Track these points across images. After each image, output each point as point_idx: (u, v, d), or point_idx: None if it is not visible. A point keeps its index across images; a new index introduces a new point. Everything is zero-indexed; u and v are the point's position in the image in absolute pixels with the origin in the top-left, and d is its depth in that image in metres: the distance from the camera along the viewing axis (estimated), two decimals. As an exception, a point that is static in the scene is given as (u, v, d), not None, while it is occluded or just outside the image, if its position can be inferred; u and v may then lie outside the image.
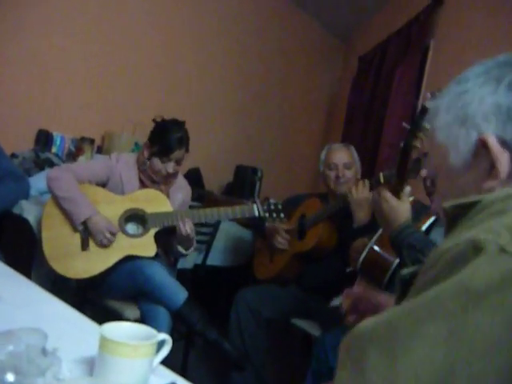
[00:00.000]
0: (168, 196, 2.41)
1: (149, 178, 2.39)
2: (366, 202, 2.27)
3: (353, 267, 1.91)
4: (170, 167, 2.33)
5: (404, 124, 1.47)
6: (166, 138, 2.29)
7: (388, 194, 1.54)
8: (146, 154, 2.36)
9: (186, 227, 2.24)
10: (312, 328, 2.44)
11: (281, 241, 2.63)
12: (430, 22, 3.39)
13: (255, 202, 2.38)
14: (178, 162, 2.36)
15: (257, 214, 2.35)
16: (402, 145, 1.48)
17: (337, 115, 4.87)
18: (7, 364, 0.73)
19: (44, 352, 0.76)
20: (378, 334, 0.56)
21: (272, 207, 2.37)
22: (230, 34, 4.27)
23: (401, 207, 1.52)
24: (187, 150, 2.38)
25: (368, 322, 0.59)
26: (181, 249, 2.35)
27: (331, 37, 5.03)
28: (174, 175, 2.42)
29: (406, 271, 0.75)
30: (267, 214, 2.37)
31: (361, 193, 2.29)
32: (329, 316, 2.27)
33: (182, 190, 2.52)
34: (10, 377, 0.73)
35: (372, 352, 0.55)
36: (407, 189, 1.54)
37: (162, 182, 2.40)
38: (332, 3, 4.47)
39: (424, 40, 3.44)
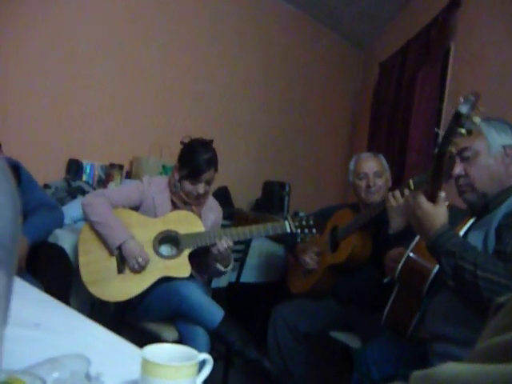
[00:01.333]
0: (200, 217, 2.43)
1: (181, 200, 2.41)
2: (403, 209, 2.23)
3: (389, 277, 1.87)
4: (201, 188, 2.34)
5: (437, 130, 1.44)
6: (195, 160, 2.30)
7: (423, 199, 1.49)
8: (176, 176, 2.39)
9: (224, 244, 2.25)
10: (351, 340, 2.41)
11: (309, 262, 2.61)
12: (448, 24, 3.35)
13: (287, 219, 2.38)
14: (209, 183, 2.37)
15: (289, 230, 2.35)
16: (435, 151, 1.44)
17: (361, 124, 4.84)
18: (53, 391, 0.74)
19: (88, 377, 0.77)
20: None
21: (304, 223, 2.36)
22: (250, 51, 4.31)
23: (437, 212, 1.47)
24: (216, 170, 2.39)
25: (455, 369, 0.49)
26: (220, 266, 2.35)
27: (350, 46, 5.03)
28: (205, 195, 2.44)
29: (504, 299, 0.66)
30: (299, 230, 2.36)
31: (399, 199, 2.24)
32: (368, 327, 2.24)
33: (213, 210, 2.54)
34: (57, 404, 0.74)
35: None
36: (442, 194, 1.49)
37: (194, 203, 2.42)
38: (348, 13, 4.48)
39: (444, 42, 3.40)
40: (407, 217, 1.60)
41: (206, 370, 0.91)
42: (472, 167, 1.59)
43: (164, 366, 0.79)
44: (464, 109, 1.33)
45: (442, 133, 1.40)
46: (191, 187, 2.34)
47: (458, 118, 1.35)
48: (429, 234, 1.48)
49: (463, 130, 1.35)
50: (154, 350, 0.86)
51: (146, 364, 0.81)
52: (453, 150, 1.39)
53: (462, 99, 1.35)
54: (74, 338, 1.09)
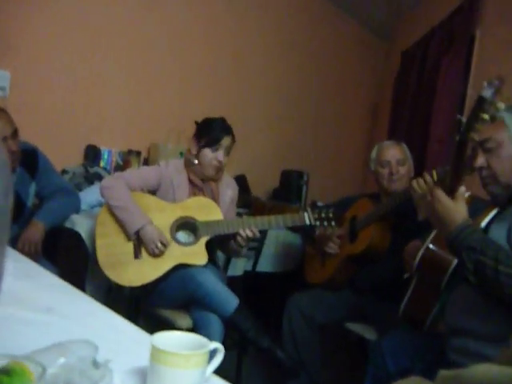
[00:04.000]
0: (218, 193, 2.45)
1: (199, 177, 2.42)
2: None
3: (409, 272, 1.83)
4: (221, 155, 2.36)
5: (458, 116, 1.38)
6: (213, 127, 2.38)
7: (442, 194, 1.46)
8: (194, 150, 2.41)
9: (249, 233, 2.27)
10: (367, 332, 2.37)
11: (331, 245, 2.57)
12: (474, 11, 3.25)
13: (306, 211, 2.35)
14: (227, 151, 2.40)
15: (308, 222, 2.33)
16: (457, 138, 1.39)
17: (381, 113, 4.76)
18: (60, 377, 0.72)
19: (95, 364, 0.75)
20: None
21: (323, 215, 2.33)
22: (267, 38, 4.25)
23: (456, 207, 1.44)
24: (234, 139, 2.43)
25: (489, 372, 0.46)
26: (242, 250, 2.38)
27: (371, 35, 4.93)
28: (223, 168, 2.46)
29: None
30: (318, 222, 2.33)
31: (423, 186, 2.18)
32: (385, 319, 2.20)
33: (230, 186, 2.56)
34: (64, 390, 0.73)
35: None
36: (462, 189, 1.46)
37: (214, 176, 2.43)
38: (370, 1, 4.39)
39: (469, 30, 3.30)
40: (426, 211, 1.56)
41: (217, 360, 0.89)
42: (494, 158, 1.53)
43: (173, 354, 0.77)
44: (487, 93, 1.28)
45: (464, 119, 1.35)
46: (211, 155, 2.36)
47: (481, 103, 1.30)
48: (449, 230, 1.45)
49: (486, 116, 1.29)
50: (164, 338, 0.84)
51: (155, 351, 0.78)
52: (475, 137, 1.34)
53: (485, 84, 1.29)
54: (84, 323, 1.08)
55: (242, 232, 2.26)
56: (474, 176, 1.64)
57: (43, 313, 1.11)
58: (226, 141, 2.37)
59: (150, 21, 3.63)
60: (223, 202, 2.41)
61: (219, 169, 2.42)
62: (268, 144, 4.30)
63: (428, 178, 2.15)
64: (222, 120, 2.43)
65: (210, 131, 2.37)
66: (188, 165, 2.44)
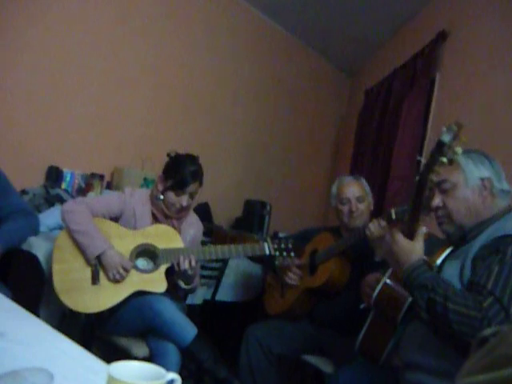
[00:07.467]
0: (180, 231, 2.40)
1: (162, 213, 2.38)
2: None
3: (366, 303, 1.87)
4: (184, 200, 2.33)
5: (419, 158, 1.45)
6: (181, 171, 2.30)
7: (399, 236, 1.53)
8: (160, 187, 2.37)
9: (185, 264, 2.21)
10: (324, 365, 2.38)
11: (292, 276, 2.58)
12: (435, 56, 3.41)
13: (266, 241, 2.36)
14: (192, 196, 2.36)
15: (267, 252, 2.33)
16: (416, 179, 1.46)
17: (344, 149, 4.88)
18: (12, 406, 0.71)
19: (50, 393, 0.73)
20: None
21: (282, 246, 2.34)
22: (237, 71, 4.33)
23: (413, 247, 1.50)
24: (201, 184, 2.39)
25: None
26: (181, 283, 2.32)
27: (337, 71, 5.09)
28: (187, 209, 2.42)
29: (489, 332, 0.63)
30: (277, 253, 2.34)
31: (378, 230, 2.24)
32: (342, 352, 2.22)
33: (193, 226, 2.51)
34: (15, 419, 0.71)
35: None
36: (422, 230, 1.52)
37: (175, 216, 2.39)
38: (338, 39, 4.54)
39: (429, 73, 3.45)
40: (384, 250, 1.62)
41: (174, 390, 0.88)
42: (450, 199, 1.61)
43: (130, 384, 0.76)
44: (446, 138, 1.35)
45: (423, 161, 1.41)
46: (175, 199, 2.32)
47: (440, 147, 1.37)
48: (404, 268, 1.50)
49: (445, 159, 1.36)
50: (121, 368, 0.83)
51: (111, 382, 0.77)
52: (433, 178, 1.41)
53: (444, 128, 1.37)
54: (39, 350, 1.05)
55: (181, 261, 2.22)
56: (431, 215, 1.71)
57: (-4, 338, 1.08)
58: (192, 187, 2.32)
59: (120, 45, 3.65)
60: (184, 241, 2.35)
61: (181, 211, 2.38)
62: (232, 173, 4.33)
63: (382, 222, 2.22)
64: (192, 161, 2.35)
65: (178, 174, 2.30)
66: (153, 199, 2.41)
